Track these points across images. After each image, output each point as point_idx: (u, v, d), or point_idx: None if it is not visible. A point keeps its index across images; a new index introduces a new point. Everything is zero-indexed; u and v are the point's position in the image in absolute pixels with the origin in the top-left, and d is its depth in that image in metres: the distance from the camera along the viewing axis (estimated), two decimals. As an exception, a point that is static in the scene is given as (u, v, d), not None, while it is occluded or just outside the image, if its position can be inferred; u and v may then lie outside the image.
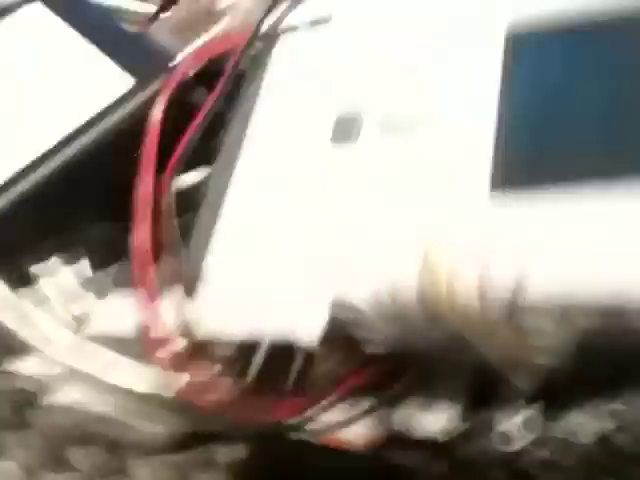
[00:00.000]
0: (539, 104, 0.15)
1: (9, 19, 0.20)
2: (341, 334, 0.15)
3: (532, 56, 0.16)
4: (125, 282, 0.18)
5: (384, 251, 0.14)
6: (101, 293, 0.19)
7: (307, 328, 0.14)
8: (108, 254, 0.19)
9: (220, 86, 0.18)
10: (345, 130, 0.17)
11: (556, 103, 0.15)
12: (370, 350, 0.15)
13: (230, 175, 0.18)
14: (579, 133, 0.14)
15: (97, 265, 0.19)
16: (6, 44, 0.20)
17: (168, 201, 0.17)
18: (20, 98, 0.19)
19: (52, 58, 0.19)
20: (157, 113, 0.17)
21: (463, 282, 0.13)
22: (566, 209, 0.13)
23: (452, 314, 0.13)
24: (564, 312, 0.13)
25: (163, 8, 0.21)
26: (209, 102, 0.18)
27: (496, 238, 0.14)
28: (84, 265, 0.19)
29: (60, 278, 0.19)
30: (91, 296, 0.19)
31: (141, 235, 0.16)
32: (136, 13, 0.23)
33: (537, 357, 0.14)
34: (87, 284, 0.19)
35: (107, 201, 0.19)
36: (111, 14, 0.21)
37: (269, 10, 0.19)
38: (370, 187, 0.16)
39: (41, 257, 0.18)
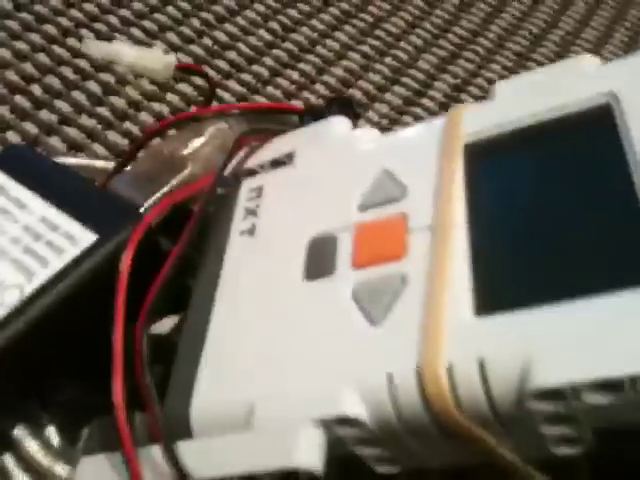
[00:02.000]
0: (506, 217, 0.15)
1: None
2: (344, 454, 0.14)
3: (486, 164, 0.16)
4: (99, 446, 0.17)
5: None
6: (72, 461, 0.17)
7: (305, 452, 0.14)
8: (77, 418, 0.18)
9: (186, 233, 0.18)
10: (318, 266, 0.17)
11: (523, 215, 0.15)
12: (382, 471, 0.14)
13: (206, 321, 0.18)
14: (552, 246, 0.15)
15: (65, 431, 0.18)
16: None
17: (142, 352, 0.16)
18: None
19: (8, 221, 0.19)
20: (125, 263, 0.17)
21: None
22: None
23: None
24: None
25: (123, 164, 0.22)
26: (176, 249, 0.18)
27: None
28: (50, 433, 0.18)
29: (24, 449, 0.18)
30: (61, 466, 0.17)
31: (117, 391, 0.16)
32: (95, 169, 0.24)
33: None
34: (55, 454, 0.18)
35: (76, 359, 0.18)
36: (67, 172, 0.21)
37: (230, 155, 0.20)
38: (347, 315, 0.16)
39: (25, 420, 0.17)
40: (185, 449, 0.15)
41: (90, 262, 0.18)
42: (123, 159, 0.21)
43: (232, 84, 0.41)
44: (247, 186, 0.20)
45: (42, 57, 0.40)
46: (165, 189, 0.20)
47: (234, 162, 0.20)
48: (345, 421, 0.14)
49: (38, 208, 0.19)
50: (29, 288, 0.17)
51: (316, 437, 0.14)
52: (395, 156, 0.18)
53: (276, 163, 0.21)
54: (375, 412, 0.14)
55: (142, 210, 0.19)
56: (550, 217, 0.15)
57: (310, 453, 0.14)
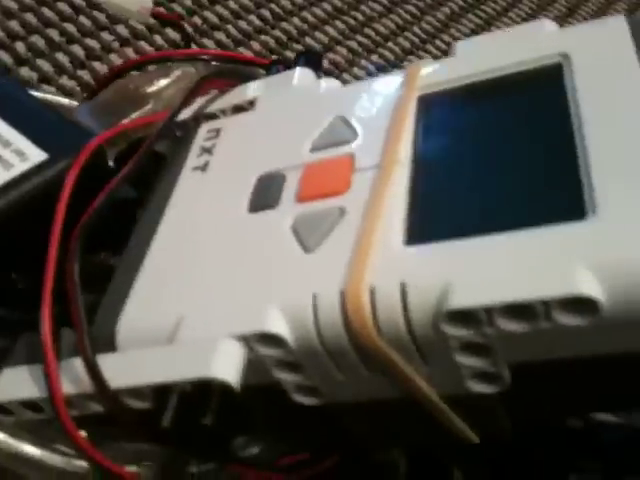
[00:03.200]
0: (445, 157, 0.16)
1: None
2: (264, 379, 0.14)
3: (436, 114, 0.17)
4: (22, 359, 0.17)
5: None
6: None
7: (221, 363, 0.13)
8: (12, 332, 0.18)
9: (132, 162, 0.18)
10: (263, 199, 0.17)
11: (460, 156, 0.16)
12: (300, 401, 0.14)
13: (146, 246, 0.18)
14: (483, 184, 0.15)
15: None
16: None
17: (72, 265, 0.16)
18: None
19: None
20: (69, 178, 0.17)
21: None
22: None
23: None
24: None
25: (89, 97, 0.22)
26: (120, 176, 0.18)
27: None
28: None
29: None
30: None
31: (45, 305, 0.15)
32: (61, 106, 0.24)
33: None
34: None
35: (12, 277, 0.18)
36: (26, 93, 0.21)
37: (190, 94, 0.20)
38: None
39: None
40: (104, 360, 0.15)
41: (37, 178, 0.18)
42: (89, 93, 0.21)
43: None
44: (206, 128, 0.20)
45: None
46: (123, 121, 0.20)
47: (195, 105, 0.20)
48: (266, 338, 0.14)
49: (-6, 125, 0.19)
50: (-27, 195, 0.17)
51: (235, 351, 0.14)
52: (351, 104, 0.18)
53: (238, 109, 0.21)
54: (297, 332, 0.14)
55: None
56: (486, 161, 0.15)
57: (226, 365, 0.14)
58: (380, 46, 0.48)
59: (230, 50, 0.43)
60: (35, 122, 0.19)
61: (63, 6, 0.43)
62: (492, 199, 0.14)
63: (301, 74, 0.21)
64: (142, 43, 0.41)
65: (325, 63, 0.45)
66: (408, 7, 0.52)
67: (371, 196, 0.15)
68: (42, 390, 0.15)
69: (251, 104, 0.21)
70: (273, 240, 0.16)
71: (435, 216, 0.15)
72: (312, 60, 0.22)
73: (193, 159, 0.20)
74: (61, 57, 0.40)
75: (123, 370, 0.15)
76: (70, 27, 0.42)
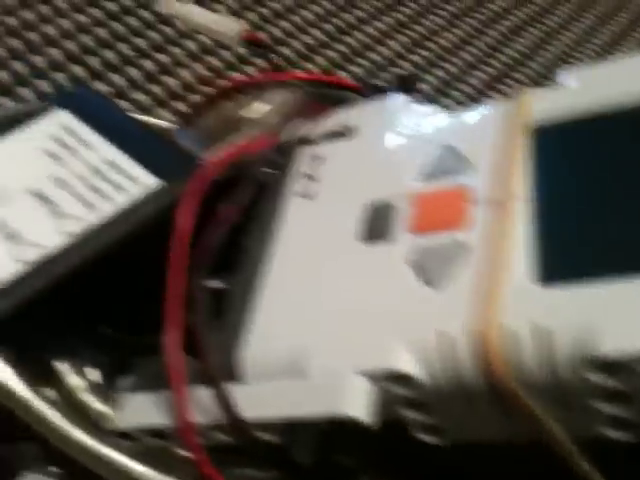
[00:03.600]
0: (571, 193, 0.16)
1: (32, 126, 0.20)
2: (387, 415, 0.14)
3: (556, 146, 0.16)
4: (142, 385, 0.17)
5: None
6: (113, 399, 0.18)
7: (352, 401, 0.13)
8: (118, 357, 0.18)
9: (241, 193, 0.19)
10: (374, 229, 0.17)
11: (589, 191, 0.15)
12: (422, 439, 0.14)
13: (261, 273, 0.18)
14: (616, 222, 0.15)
15: (107, 369, 0.18)
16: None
17: (198, 295, 0.16)
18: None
19: (74, 158, 0.19)
20: (184, 216, 0.17)
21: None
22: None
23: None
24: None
25: (187, 121, 0.22)
26: (231, 208, 0.18)
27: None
28: (92, 370, 0.18)
29: (66, 383, 0.18)
30: (102, 403, 0.18)
31: (171, 331, 0.16)
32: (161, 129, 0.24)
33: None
34: (96, 390, 0.18)
35: (126, 300, 0.18)
36: (131, 117, 0.21)
37: (293, 122, 0.20)
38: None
39: (57, 355, 0.17)
40: (235, 391, 0.15)
41: (153, 203, 0.18)
42: (187, 116, 0.22)
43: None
44: (305, 153, 0.21)
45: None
46: (224, 148, 0.20)
47: (294, 129, 0.20)
48: (395, 377, 0.14)
49: (102, 148, 0.20)
50: (91, 220, 0.18)
51: (364, 388, 0.14)
52: (459, 132, 0.18)
53: (335, 134, 0.21)
54: (425, 371, 0.14)
55: (203, 164, 0.19)
56: (620, 196, 0.15)
57: (357, 403, 0.14)
58: (444, 60, 0.48)
59: (295, 64, 0.43)
60: (143, 146, 0.20)
61: (134, 21, 0.44)
62: (634, 236, 0.14)
63: (399, 100, 0.21)
64: (213, 59, 0.42)
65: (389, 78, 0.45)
66: (470, 21, 0.52)
67: (494, 232, 0.15)
68: (170, 418, 0.15)
69: (349, 130, 0.21)
70: (391, 272, 0.16)
71: (570, 254, 0.14)
72: (408, 85, 0.22)
73: (296, 185, 0.20)
74: (134, 72, 0.41)
75: (253, 403, 0.15)
76: (141, 42, 0.43)
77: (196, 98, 0.35)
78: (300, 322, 0.16)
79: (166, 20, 0.43)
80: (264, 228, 0.19)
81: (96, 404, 0.18)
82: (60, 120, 0.21)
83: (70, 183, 0.19)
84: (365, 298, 0.16)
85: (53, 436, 0.15)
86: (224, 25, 0.22)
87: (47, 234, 0.17)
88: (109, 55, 0.41)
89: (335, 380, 0.14)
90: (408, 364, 0.14)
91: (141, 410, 0.16)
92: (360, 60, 0.46)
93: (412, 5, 0.51)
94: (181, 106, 0.37)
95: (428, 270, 0.15)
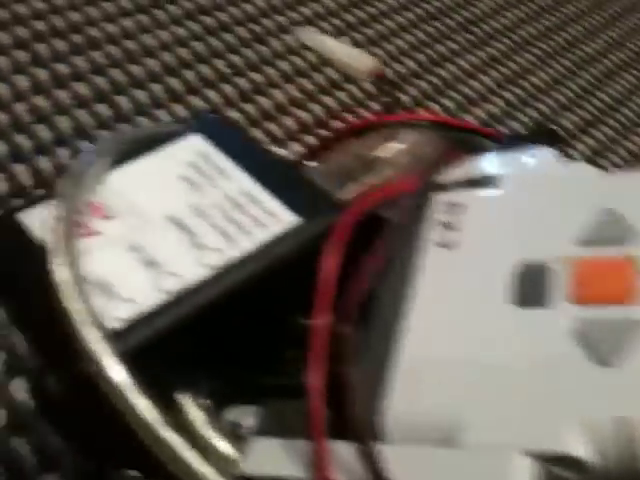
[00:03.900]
0: None
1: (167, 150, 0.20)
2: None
3: None
4: (273, 430, 0.17)
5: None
6: (238, 440, 0.17)
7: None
8: (242, 397, 0.18)
9: (385, 237, 0.18)
10: (529, 294, 0.16)
11: None
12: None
13: (398, 328, 0.17)
14: None
15: (233, 403, 0.18)
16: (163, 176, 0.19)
17: (343, 347, 0.15)
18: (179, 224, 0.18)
19: (209, 186, 0.19)
20: (330, 259, 0.16)
21: None
22: None
23: None
24: None
25: (311, 157, 0.22)
26: (376, 250, 0.17)
27: None
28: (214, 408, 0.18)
29: (188, 418, 0.17)
30: (225, 443, 0.17)
31: (315, 377, 0.15)
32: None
33: None
34: (220, 429, 0.17)
35: (254, 337, 0.18)
36: (264, 147, 0.21)
37: (436, 167, 0.19)
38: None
39: (188, 386, 0.17)
40: (384, 452, 0.14)
41: (293, 241, 0.18)
42: (312, 151, 0.21)
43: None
44: (441, 200, 0.20)
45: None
46: (361, 187, 0.19)
47: (434, 174, 0.20)
48: (565, 460, 0.13)
49: (239, 179, 0.19)
50: (231, 254, 0.17)
51: (530, 470, 0.13)
52: (622, 197, 0.17)
53: (474, 182, 0.20)
54: (599, 455, 0.13)
55: (342, 203, 0.19)
56: None
57: (523, 485, 0.13)
58: (536, 99, 0.47)
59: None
60: (279, 178, 0.19)
61: (230, 37, 0.44)
62: None
63: (545, 154, 0.20)
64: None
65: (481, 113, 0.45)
66: (564, 61, 0.51)
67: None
68: (306, 471, 0.15)
69: (490, 180, 0.20)
70: (554, 344, 0.15)
71: None
72: (549, 137, 0.21)
73: (433, 233, 0.19)
74: (228, 89, 0.41)
75: (402, 467, 0.14)
76: (236, 59, 0.43)
77: (321, 133, 0.34)
78: (450, 389, 0.15)
79: (294, 51, 0.43)
80: (399, 275, 0.18)
81: (219, 443, 0.17)
82: (195, 145, 0.20)
83: (209, 213, 0.18)
84: (527, 370, 0.15)
85: (188, 476, 0.15)
86: (358, 59, 0.21)
87: (187, 264, 0.17)
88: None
89: (498, 457, 0.13)
90: (580, 447, 0.13)
91: (272, 458, 0.16)
92: (452, 93, 0.45)
93: (505, 41, 0.51)
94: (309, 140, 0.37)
95: (598, 346, 0.15)
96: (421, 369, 0.16)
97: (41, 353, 0.16)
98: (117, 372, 0.15)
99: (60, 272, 0.15)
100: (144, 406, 0.15)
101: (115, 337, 0.15)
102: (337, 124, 0.35)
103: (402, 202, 0.19)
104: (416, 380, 0.16)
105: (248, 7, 0.46)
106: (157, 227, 0.18)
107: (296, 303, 0.18)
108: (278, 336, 0.18)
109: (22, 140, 0.35)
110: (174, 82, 0.40)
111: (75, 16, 0.42)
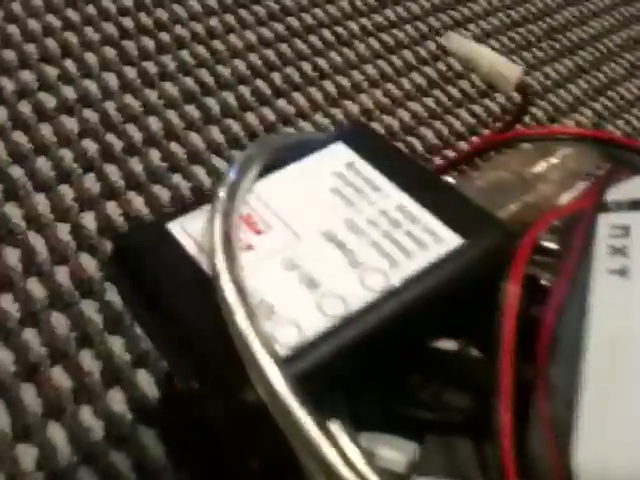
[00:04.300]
0: None
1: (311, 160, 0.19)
2: None
3: None
4: (438, 469, 0.15)
5: None
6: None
7: None
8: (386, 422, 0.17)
9: (569, 265, 0.16)
10: None
11: None
12: None
13: (576, 364, 0.16)
14: None
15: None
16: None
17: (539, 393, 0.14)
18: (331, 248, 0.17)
19: (363, 201, 0.18)
20: (513, 284, 0.15)
21: None
22: None
23: None
24: None
25: (454, 166, 0.20)
26: (560, 283, 0.16)
27: None
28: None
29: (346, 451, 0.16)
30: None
31: (505, 418, 0.14)
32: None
33: None
34: (378, 465, 0.16)
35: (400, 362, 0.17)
36: (416, 161, 0.19)
37: (604, 185, 0.18)
38: None
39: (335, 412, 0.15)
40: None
41: (459, 266, 0.16)
42: (450, 165, 0.20)
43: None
44: (606, 221, 0.19)
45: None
46: (521, 206, 0.18)
47: (602, 194, 0.18)
48: None
49: (393, 194, 0.18)
50: (394, 277, 0.16)
51: None
52: None
53: (637, 204, 0.19)
54: None
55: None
56: None
57: None
58: (625, 111, 0.45)
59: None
60: (434, 195, 0.18)
61: (315, 40, 0.43)
62: None
63: None
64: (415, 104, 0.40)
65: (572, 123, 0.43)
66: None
67: None
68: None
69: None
70: None
71: None
72: None
73: (604, 259, 0.18)
74: (315, 92, 0.40)
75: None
76: (322, 62, 0.42)
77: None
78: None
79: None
80: (576, 305, 0.17)
81: (373, 477, 0.16)
82: (341, 155, 0.19)
83: (365, 230, 0.17)
84: None
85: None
86: (508, 68, 0.20)
87: (349, 286, 0.16)
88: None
89: None
90: None
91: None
92: (540, 102, 0.44)
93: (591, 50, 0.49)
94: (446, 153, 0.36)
95: None
96: (611, 415, 0.14)
97: (198, 374, 0.15)
98: (290, 399, 0.14)
99: (227, 291, 0.14)
100: (317, 436, 0.14)
101: (281, 363, 0.14)
102: (473, 139, 0.34)
103: (570, 224, 0.18)
104: (605, 423, 0.14)
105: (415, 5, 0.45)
106: (312, 243, 0.17)
107: (442, 328, 0.17)
108: (415, 362, 0.16)
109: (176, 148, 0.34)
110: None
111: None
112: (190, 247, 0.16)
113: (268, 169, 0.18)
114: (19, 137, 0.33)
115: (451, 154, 0.34)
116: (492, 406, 0.15)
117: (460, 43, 0.19)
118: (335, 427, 0.16)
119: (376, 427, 0.17)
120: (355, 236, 0.17)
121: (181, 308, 0.15)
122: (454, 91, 0.41)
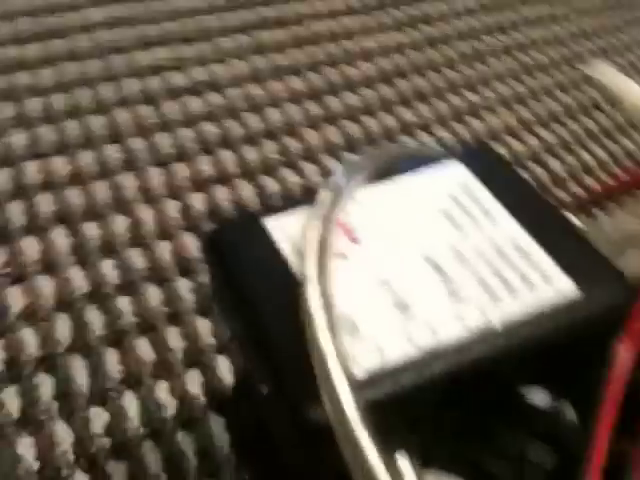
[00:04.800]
0: None
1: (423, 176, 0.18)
2: None
3: None
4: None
5: None
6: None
7: None
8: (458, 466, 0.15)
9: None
10: None
11: None
12: None
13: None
14: None
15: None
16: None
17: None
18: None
19: (471, 226, 0.17)
20: (625, 356, 0.13)
21: None
22: None
23: None
24: None
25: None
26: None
27: None
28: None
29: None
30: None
31: None
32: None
33: None
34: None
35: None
36: (550, 202, 0.18)
37: None
38: None
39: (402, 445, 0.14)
40: None
41: (569, 320, 0.15)
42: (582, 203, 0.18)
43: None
44: None
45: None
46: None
47: None
48: None
49: (506, 224, 0.17)
50: (493, 315, 0.15)
51: None
52: None
53: None
54: None
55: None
56: None
57: None
58: None
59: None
60: (554, 234, 0.16)
61: (449, 51, 0.41)
62: None
63: None
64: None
65: None
66: None
67: None
68: None
69: None
70: None
71: None
72: None
73: None
74: (441, 105, 0.38)
75: None
76: (454, 75, 0.40)
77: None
78: None
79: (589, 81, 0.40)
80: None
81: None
82: (459, 176, 0.18)
83: (470, 259, 0.16)
84: None
85: None
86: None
87: (442, 317, 0.15)
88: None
89: None
90: None
91: None
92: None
93: None
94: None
95: None
96: None
97: (269, 380, 0.14)
98: (359, 426, 0.13)
99: (313, 300, 0.14)
100: (381, 472, 0.13)
101: (356, 386, 0.13)
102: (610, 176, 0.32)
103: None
104: None
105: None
106: (411, 263, 0.16)
107: (536, 379, 0.15)
108: (500, 408, 0.15)
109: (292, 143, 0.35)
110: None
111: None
112: (284, 247, 0.16)
113: (379, 177, 0.17)
114: (146, 111, 0.34)
115: (576, 189, 0.31)
116: (580, 472, 0.13)
117: (606, 73, 0.18)
118: (402, 462, 0.15)
119: (440, 465, 0.16)
120: (458, 264, 0.16)
121: (264, 311, 0.15)
122: (590, 123, 0.39)
